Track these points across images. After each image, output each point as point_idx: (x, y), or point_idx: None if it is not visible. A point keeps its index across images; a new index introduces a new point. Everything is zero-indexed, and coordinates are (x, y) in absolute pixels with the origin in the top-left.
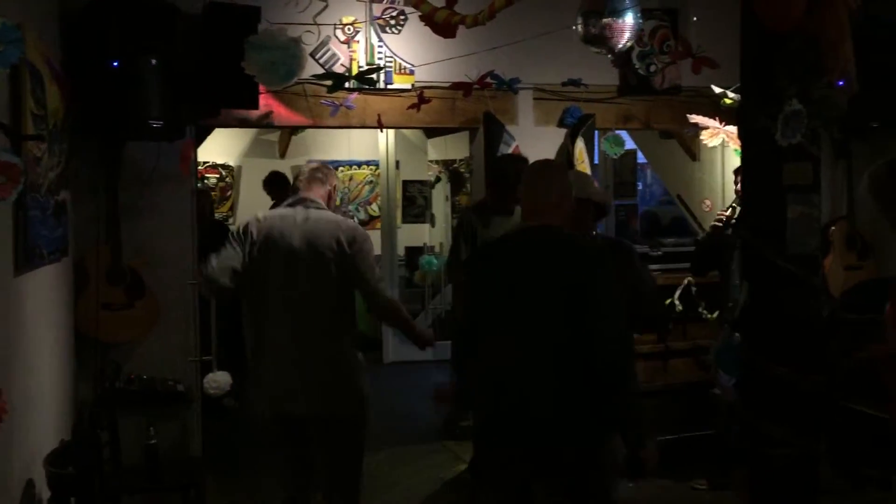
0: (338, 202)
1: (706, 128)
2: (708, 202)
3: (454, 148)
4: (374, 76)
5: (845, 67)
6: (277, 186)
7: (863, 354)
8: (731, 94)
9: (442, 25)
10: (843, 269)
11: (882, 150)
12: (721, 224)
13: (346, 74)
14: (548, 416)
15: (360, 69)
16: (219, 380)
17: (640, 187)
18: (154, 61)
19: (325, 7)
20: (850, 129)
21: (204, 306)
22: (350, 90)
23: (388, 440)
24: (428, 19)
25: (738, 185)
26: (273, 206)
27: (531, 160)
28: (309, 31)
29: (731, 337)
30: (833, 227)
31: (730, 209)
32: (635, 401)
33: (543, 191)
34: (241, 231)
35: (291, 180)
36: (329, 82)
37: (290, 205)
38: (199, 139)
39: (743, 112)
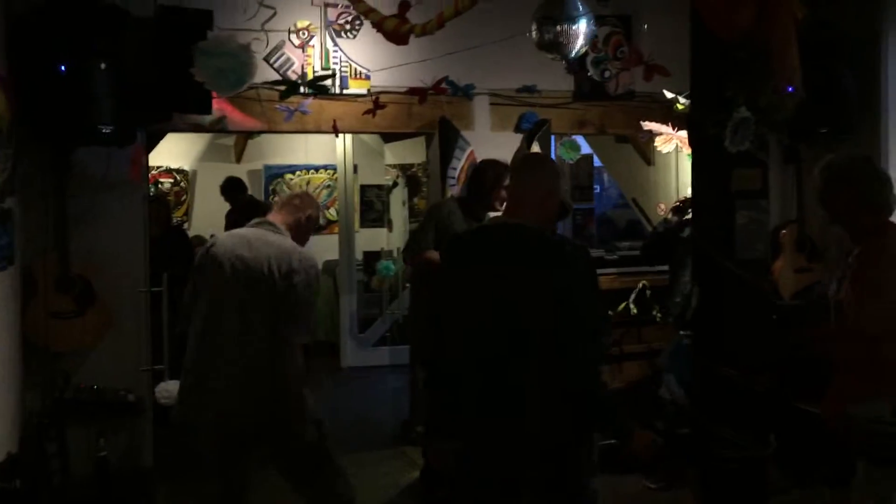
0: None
1: (660, 134)
2: (663, 206)
3: (412, 152)
4: (327, 83)
5: (792, 75)
6: (234, 191)
7: (812, 332)
8: (682, 100)
9: (392, 33)
10: (794, 271)
11: (830, 153)
12: (681, 205)
13: (299, 81)
14: (518, 416)
15: (315, 74)
16: (171, 389)
17: (597, 190)
18: (103, 65)
19: (274, 14)
20: (799, 135)
21: (156, 314)
22: (305, 95)
23: (346, 446)
24: (378, 27)
25: None
26: (230, 212)
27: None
28: (257, 39)
29: (681, 340)
30: (783, 231)
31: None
32: (607, 400)
33: (530, 186)
34: (197, 261)
35: (249, 186)
36: (282, 88)
37: (253, 225)
38: (151, 144)
39: (693, 119)
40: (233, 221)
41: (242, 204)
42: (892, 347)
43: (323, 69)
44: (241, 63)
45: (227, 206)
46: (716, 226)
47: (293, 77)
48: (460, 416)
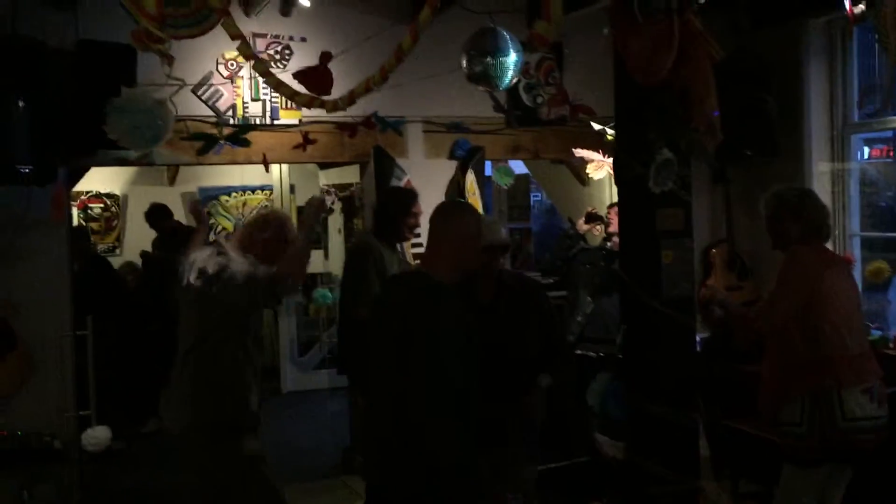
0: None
1: (592, 161)
2: (598, 228)
3: (349, 173)
4: (246, 137)
5: (710, 119)
6: (159, 218)
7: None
8: (609, 131)
9: (307, 104)
10: (725, 289)
11: (756, 174)
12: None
13: (217, 136)
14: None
15: (237, 123)
16: (98, 435)
17: (533, 208)
18: (21, 103)
19: (182, 87)
20: (726, 157)
21: (81, 358)
22: (234, 126)
23: (286, 475)
24: (291, 99)
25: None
26: (157, 239)
27: (424, 192)
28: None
29: (611, 381)
30: (714, 250)
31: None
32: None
33: (445, 234)
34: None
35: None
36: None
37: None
38: (75, 179)
39: (617, 161)
40: (158, 247)
41: (168, 230)
42: (785, 348)
43: (253, 100)
44: (156, 119)
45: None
46: (642, 265)
47: (221, 108)
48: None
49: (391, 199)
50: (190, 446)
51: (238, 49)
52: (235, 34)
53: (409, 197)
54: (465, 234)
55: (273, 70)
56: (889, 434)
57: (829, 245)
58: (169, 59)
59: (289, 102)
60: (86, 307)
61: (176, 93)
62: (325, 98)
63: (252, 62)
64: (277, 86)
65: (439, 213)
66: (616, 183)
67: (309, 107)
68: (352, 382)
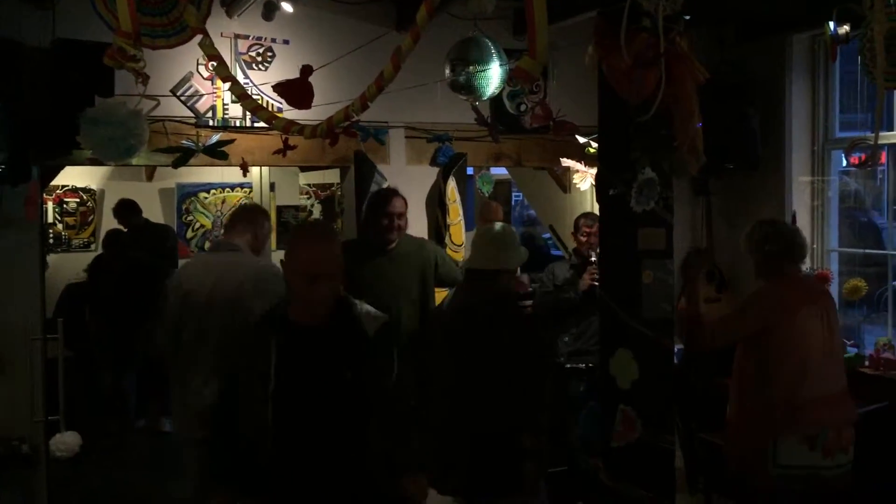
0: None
1: (577, 171)
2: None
3: (330, 174)
4: (224, 150)
5: (693, 141)
6: (127, 214)
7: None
8: (594, 144)
9: (284, 129)
10: (703, 301)
11: (737, 187)
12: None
13: (194, 148)
14: None
15: (216, 125)
16: (67, 441)
17: (514, 214)
18: None
19: (157, 104)
20: (708, 169)
21: (51, 361)
22: (214, 128)
23: None
24: (269, 123)
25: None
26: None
27: (405, 199)
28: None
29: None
30: None
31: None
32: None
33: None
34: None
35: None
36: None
37: (212, 249)
38: (49, 177)
39: (600, 179)
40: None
41: (135, 227)
42: (742, 389)
43: (233, 102)
44: (131, 131)
45: None
46: (623, 285)
47: (200, 110)
48: None
49: (368, 200)
50: None
51: (215, 70)
52: (213, 55)
53: (381, 197)
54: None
55: (254, 72)
56: (852, 479)
57: (807, 260)
58: (143, 78)
59: (270, 104)
60: None
61: (153, 109)
62: (304, 123)
63: (229, 84)
64: (255, 109)
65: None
66: (597, 200)
67: (287, 132)
68: None
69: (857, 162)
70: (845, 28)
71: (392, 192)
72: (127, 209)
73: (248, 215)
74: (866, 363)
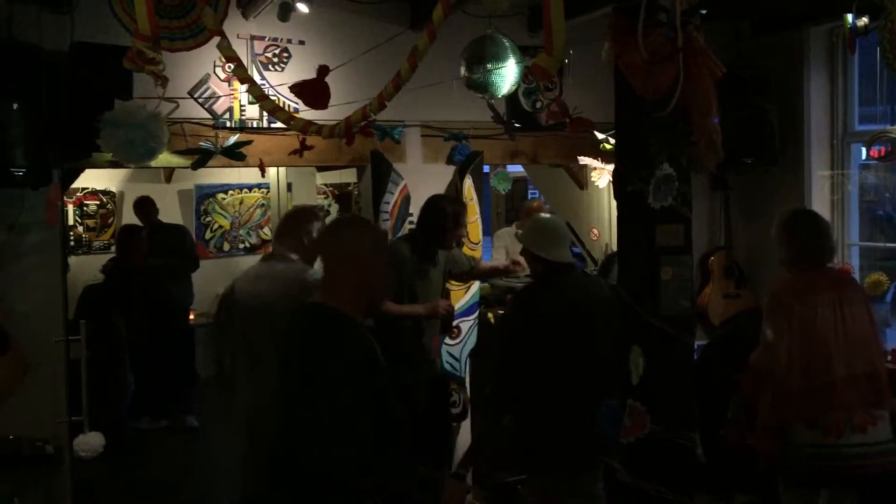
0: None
1: (595, 168)
2: (595, 231)
3: (347, 174)
4: (241, 150)
5: (711, 136)
6: (148, 210)
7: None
8: (611, 140)
9: (301, 129)
10: (722, 297)
11: (756, 182)
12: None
13: (213, 149)
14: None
15: (234, 126)
16: (90, 442)
17: None
18: (16, 105)
19: (177, 107)
20: (726, 164)
21: (74, 362)
22: (232, 129)
23: None
24: (286, 124)
25: None
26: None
27: (421, 197)
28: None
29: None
30: (712, 258)
31: None
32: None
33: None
34: (219, 308)
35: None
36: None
37: (264, 259)
38: (69, 180)
39: (617, 174)
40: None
41: (154, 226)
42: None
43: (250, 103)
44: (150, 133)
45: None
46: (641, 281)
47: (218, 111)
48: None
49: (448, 206)
50: None
51: (234, 72)
52: (231, 57)
53: (461, 207)
54: (362, 255)
55: (270, 73)
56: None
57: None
58: (163, 80)
59: (286, 105)
60: None
61: (172, 112)
62: (322, 123)
63: (248, 85)
64: (273, 110)
65: (330, 232)
66: (615, 197)
67: (305, 133)
68: None
69: (877, 155)
70: (864, 20)
71: (464, 206)
72: (149, 205)
73: (293, 220)
74: (888, 358)
